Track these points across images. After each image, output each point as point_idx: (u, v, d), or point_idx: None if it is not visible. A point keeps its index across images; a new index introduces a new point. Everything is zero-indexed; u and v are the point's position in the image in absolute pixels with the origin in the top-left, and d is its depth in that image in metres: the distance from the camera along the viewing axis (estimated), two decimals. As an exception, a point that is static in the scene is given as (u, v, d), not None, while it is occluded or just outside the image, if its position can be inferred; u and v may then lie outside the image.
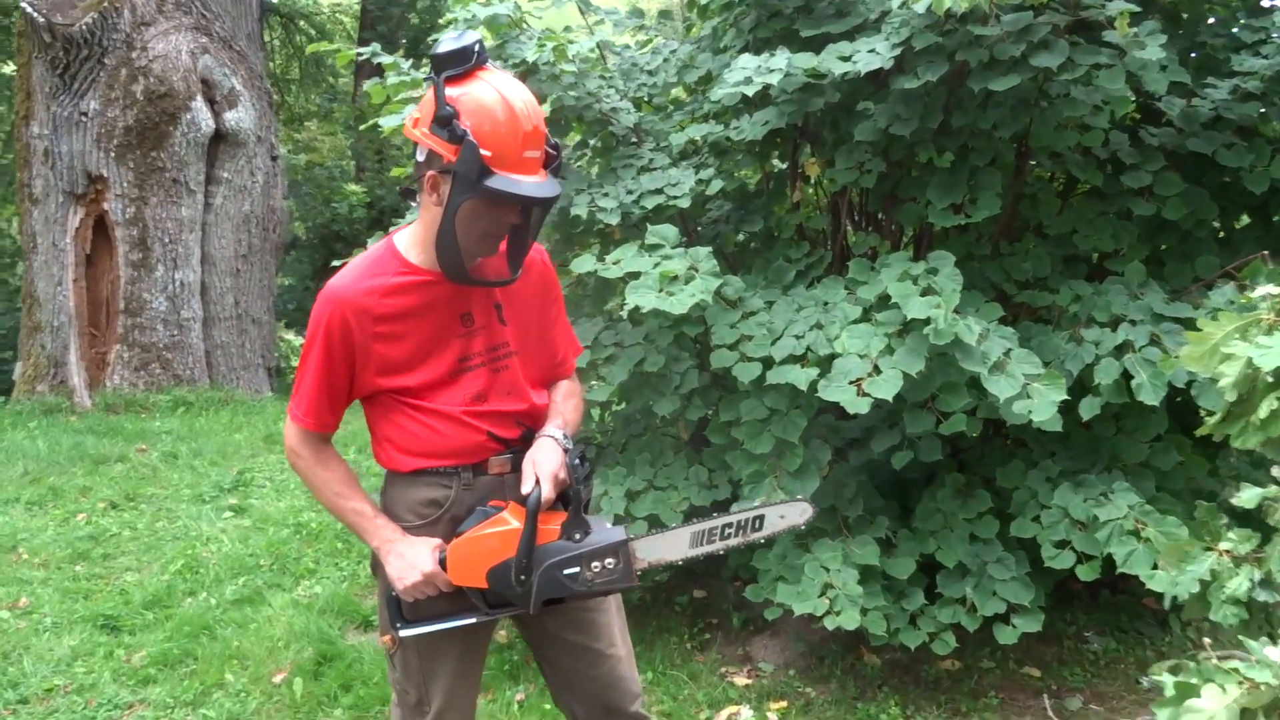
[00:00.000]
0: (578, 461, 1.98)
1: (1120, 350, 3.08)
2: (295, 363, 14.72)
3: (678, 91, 4.66)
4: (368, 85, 4.05)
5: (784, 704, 3.39)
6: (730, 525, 2.00)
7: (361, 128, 4.50)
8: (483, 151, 1.84)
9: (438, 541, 2.05)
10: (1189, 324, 3.08)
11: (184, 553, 4.78)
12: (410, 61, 4.09)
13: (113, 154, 8.89)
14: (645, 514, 3.50)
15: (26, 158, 9.46)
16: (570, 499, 1.98)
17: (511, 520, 1.98)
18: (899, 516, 3.55)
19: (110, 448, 6.84)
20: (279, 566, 4.59)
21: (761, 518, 2.02)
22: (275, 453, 6.72)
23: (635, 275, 3.16)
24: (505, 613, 2.04)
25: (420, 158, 1.95)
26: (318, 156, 16.36)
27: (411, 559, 2.02)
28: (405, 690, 2.19)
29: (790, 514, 2.04)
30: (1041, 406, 2.82)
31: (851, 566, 3.17)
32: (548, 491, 1.96)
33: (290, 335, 15.19)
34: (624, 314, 3.16)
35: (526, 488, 1.97)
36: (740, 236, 4.33)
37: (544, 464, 2.00)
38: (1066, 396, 2.86)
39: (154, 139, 8.99)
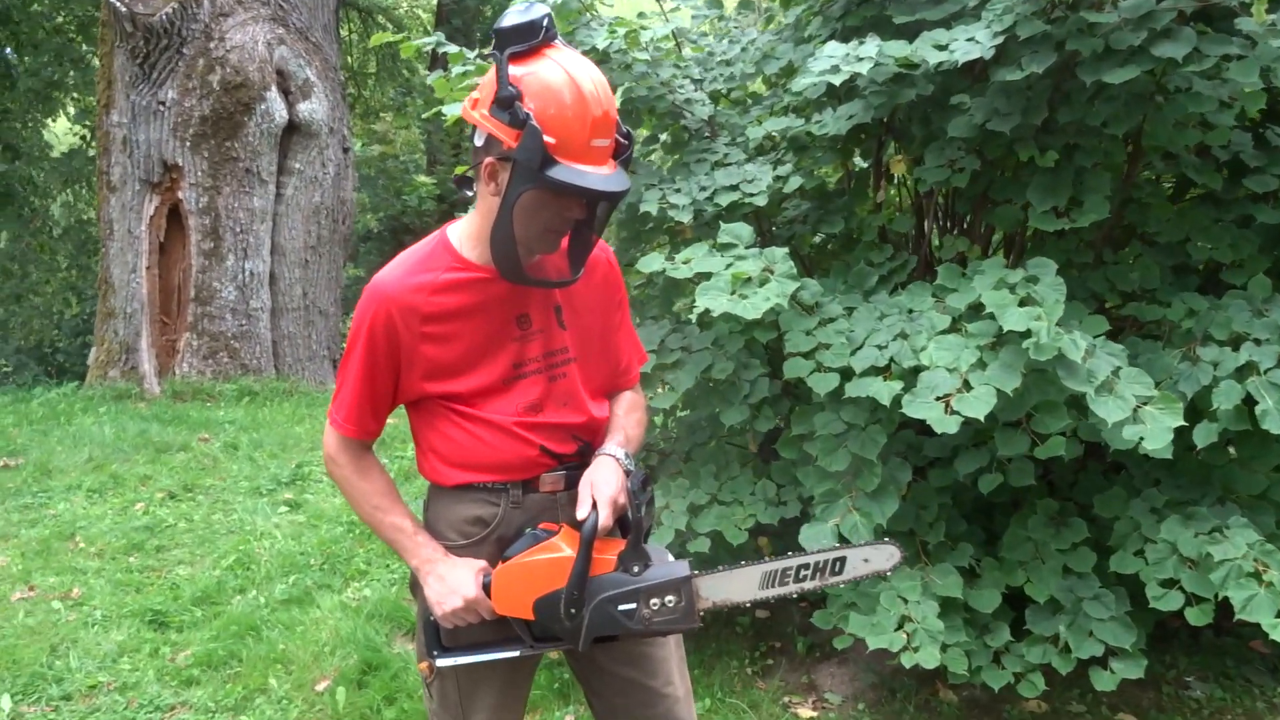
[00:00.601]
0: (640, 486, 1.78)
1: (1242, 372, 2.78)
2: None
3: (756, 84, 4.43)
4: (431, 78, 3.90)
5: (852, 741, 3.16)
6: (806, 566, 1.78)
7: (424, 116, 4.36)
8: (546, 138, 1.64)
9: (482, 564, 1.87)
10: (1322, 345, 2.78)
11: (237, 548, 4.69)
12: (476, 51, 3.93)
13: (188, 143, 8.95)
14: (708, 530, 3.29)
15: (106, 145, 9.58)
16: (630, 526, 1.78)
17: (564, 547, 1.78)
18: (983, 544, 3.29)
19: (174, 436, 6.84)
20: (329, 566, 4.47)
21: (843, 560, 1.79)
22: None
23: (706, 276, 2.94)
24: (552, 647, 1.85)
25: (479, 142, 1.75)
26: (391, 149, 16.42)
27: (453, 583, 1.83)
28: (442, 724, 2.02)
29: (876, 558, 1.81)
30: (1155, 433, 2.54)
31: (931, 598, 2.92)
32: (605, 518, 1.77)
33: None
34: (692, 317, 2.95)
35: (582, 512, 1.77)
36: (817, 238, 4.09)
37: (603, 487, 1.80)
38: (1184, 422, 2.57)
39: (228, 129, 9.03)
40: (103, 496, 5.60)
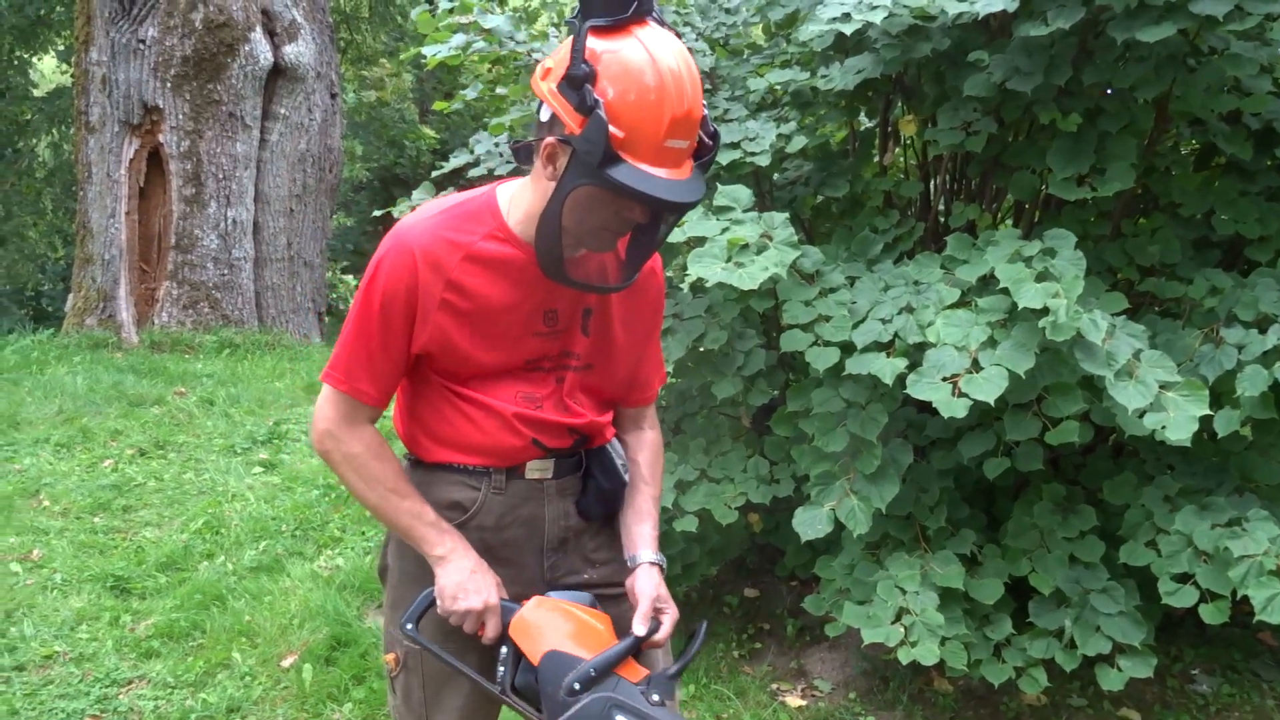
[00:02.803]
0: (703, 634, 1.69)
1: (1269, 357, 2.60)
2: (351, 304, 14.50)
3: (755, 33, 4.20)
4: (415, 13, 3.66)
5: (842, 733, 3.02)
6: None
7: (402, 57, 4.11)
8: (613, 130, 1.42)
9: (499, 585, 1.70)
10: (1356, 330, 2.60)
11: (207, 510, 4.51)
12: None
13: (169, 84, 8.64)
14: (696, 508, 3.12)
15: (84, 84, 9.26)
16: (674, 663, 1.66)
17: (602, 628, 1.63)
18: (984, 529, 3.12)
19: (149, 389, 6.63)
20: (302, 532, 4.30)
21: None
22: (314, 403, 6.44)
23: (700, 241, 2.74)
24: (520, 706, 1.64)
25: (543, 117, 1.53)
26: (385, 95, 16.04)
27: (478, 584, 1.66)
28: (404, 721, 1.85)
29: None
30: (1178, 422, 2.36)
31: (931, 588, 2.76)
32: (666, 632, 1.68)
33: (349, 278, 15.02)
34: (684, 285, 2.75)
35: (643, 627, 1.64)
36: (818, 200, 3.88)
37: (670, 608, 1.71)
38: (1209, 411, 2.40)
39: (211, 70, 8.71)
40: (71, 451, 5.41)
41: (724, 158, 3.11)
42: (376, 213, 4.37)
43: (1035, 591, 2.87)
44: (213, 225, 8.84)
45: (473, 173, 3.46)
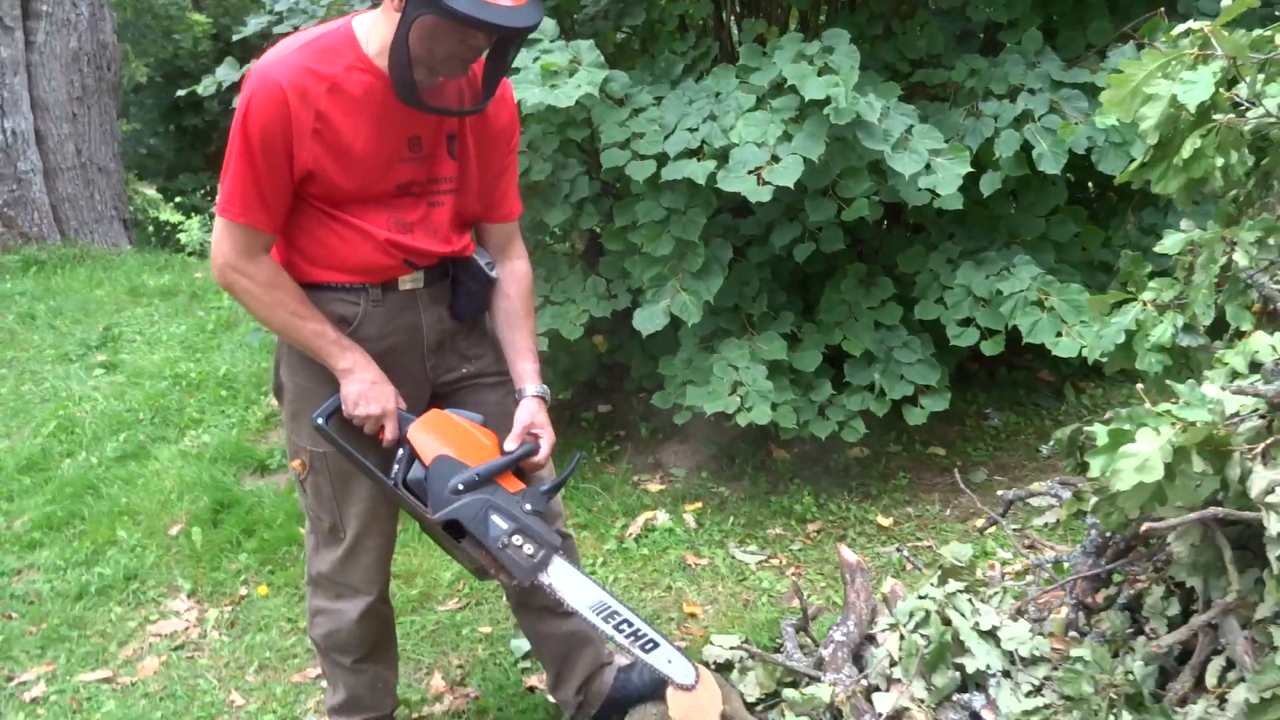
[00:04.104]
0: (576, 463, 1.98)
1: (1020, 121, 3.01)
2: (154, 215, 13.39)
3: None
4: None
5: (699, 505, 3.40)
6: (630, 624, 1.89)
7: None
8: None
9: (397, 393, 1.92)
10: (1089, 89, 3.03)
11: (55, 414, 4.47)
12: None
13: (-92, -10, 7.89)
14: (545, 329, 3.37)
15: None
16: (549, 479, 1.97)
17: (489, 444, 1.89)
18: (802, 311, 3.51)
19: (-42, 316, 6.32)
20: (161, 419, 4.34)
21: (655, 644, 1.91)
22: (143, 306, 6.31)
23: (515, 71, 2.91)
24: (408, 500, 1.88)
25: None
26: (150, -16, 14.89)
27: (377, 393, 1.87)
28: (319, 516, 2.06)
29: (678, 666, 1.94)
30: (946, 181, 2.75)
31: (759, 363, 3.13)
32: (545, 454, 1.93)
33: (146, 188, 14.21)
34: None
35: (514, 444, 1.92)
36: (620, 36, 4.07)
37: (548, 432, 1.96)
38: (971, 169, 2.79)
39: (-46, -30, 7.99)
40: (-109, 384, 5.18)
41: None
42: (180, 92, 4.28)
43: (849, 356, 3.29)
44: (-10, 140, 8.26)
45: (279, 29, 3.47)
